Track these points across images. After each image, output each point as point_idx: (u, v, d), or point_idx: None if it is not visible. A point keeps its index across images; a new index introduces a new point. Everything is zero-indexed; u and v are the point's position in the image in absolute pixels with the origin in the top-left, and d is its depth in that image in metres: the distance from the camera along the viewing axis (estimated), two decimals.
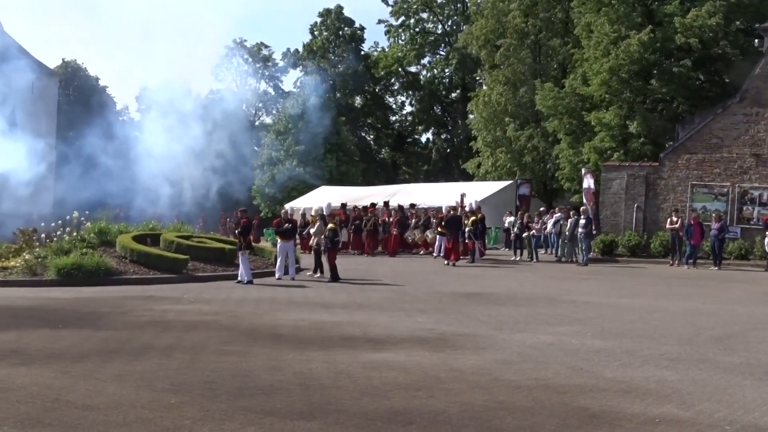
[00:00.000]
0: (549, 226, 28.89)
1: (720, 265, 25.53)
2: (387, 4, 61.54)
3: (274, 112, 66.79)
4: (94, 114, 48.13)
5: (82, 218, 24.04)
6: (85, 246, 21.68)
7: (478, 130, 42.93)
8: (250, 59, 67.77)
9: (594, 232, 28.06)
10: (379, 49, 67.39)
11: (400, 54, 63.62)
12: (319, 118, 48.40)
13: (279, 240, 21.97)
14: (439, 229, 28.42)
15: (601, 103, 33.54)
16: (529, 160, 40.07)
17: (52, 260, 20.11)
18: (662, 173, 29.20)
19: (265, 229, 39.94)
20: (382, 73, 64.74)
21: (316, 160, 50.68)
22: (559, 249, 28.42)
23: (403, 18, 62.13)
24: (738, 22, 32.44)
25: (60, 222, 23.50)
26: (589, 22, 33.58)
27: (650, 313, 14.49)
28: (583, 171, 32.41)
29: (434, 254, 29.31)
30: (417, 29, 62.75)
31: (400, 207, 33.13)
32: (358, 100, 66.42)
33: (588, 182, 31.43)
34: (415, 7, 61.23)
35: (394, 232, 31.54)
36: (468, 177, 46.47)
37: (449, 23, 62.76)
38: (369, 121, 67.40)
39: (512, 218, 30.96)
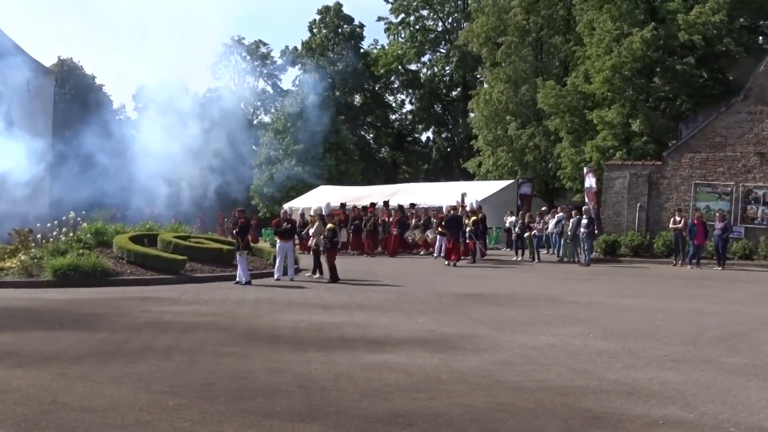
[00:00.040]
0: (551, 225, 28.90)
1: (724, 265, 25.53)
2: (387, 1, 61.65)
3: (272, 110, 66.84)
4: (91, 113, 48.13)
5: (79, 218, 24.04)
6: (82, 247, 21.67)
7: (479, 129, 42.93)
8: (249, 57, 67.79)
9: (596, 232, 28.07)
10: (378, 47, 67.43)
11: (399, 52, 63.63)
12: (318, 117, 48.40)
13: (278, 240, 21.98)
14: (439, 230, 28.43)
15: (604, 101, 33.54)
16: (530, 159, 40.08)
17: (49, 261, 20.11)
18: (665, 172, 29.19)
19: (263, 229, 39.96)
20: (382, 71, 64.74)
21: (315, 160, 50.68)
22: (561, 249, 28.41)
23: (402, 15, 62.15)
24: (742, 19, 32.42)
25: (56, 222, 23.50)
26: (591, 19, 33.58)
27: (653, 314, 14.50)
28: (585, 170, 32.40)
29: (434, 255, 29.32)
30: (417, 26, 62.77)
31: (400, 207, 33.13)
32: (357, 99, 66.43)
33: (590, 181, 31.42)
34: (415, 4, 61.24)
35: (394, 232, 31.54)
36: (469, 176, 46.49)
37: (449, 20, 62.78)
38: (368, 120, 67.40)
39: (513, 218, 30.96)
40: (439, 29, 63.52)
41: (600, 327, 12.74)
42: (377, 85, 66.29)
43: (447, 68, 63.10)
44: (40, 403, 7.64)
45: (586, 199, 31.25)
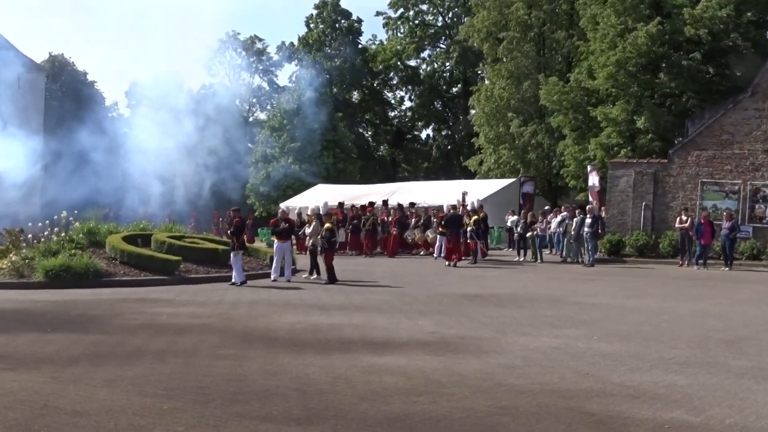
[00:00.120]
0: (553, 225, 28.91)
1: (731, 265, 25.54)
2: None
3: (268, 107, 66.87)
4: (83, 110, 48.15)
5: (71, 218, 24.04)
6: (74, 247, 21.67)
7: (480, 126, 42.96)
8: (244, 53, 67.84)
9: (599, 231, 28.07)
10: (377, 43, 67.49)
11: (399, 47, 63.68)
12: (315, 114, 48.43)
13: (275, 240, 21.98)
14: (440, 230, 28.44)
15: (608, 98, 33.58)
16: (533, 157, 40.12)
17: (40, 262, 20.11)
18: (671, 170, 29.19)
19: (259, 229, 39.98)
20: (381, 67, 64.80)
21: (313, 158, 50.72)
22: (565, 249, 28.42)
23: (402, 10, 62.20)
24: (749, 14, 32.47)
25: (48, 222, 23.50)
26: (595, 13, 33.62)
27: (659, 315, 14.50)
28: (588, 168, 32.44)
29: (434, 255, 29.34)
30: (416, 21, 62.83)
31: (400, 206, 33.14)
32: (355, 95, 66.47)
33: (593, 180, 31.46)
34: None
35: (394, 232, 31.54)
36: (470, 175, 46.54)
37: (450, 15, 62.84)
38: (367, 117, 67.45)
39: (514, 217, 30.98)
40: (439, 24, 63.58)
41: (604, 329, 12.74)
42: (376, 82, 66.33)
43: (447, 64, 63.16)
44: (31, 407, 7.64)
45: (590, 198, 31.28)
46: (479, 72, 55.27)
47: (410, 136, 68.55)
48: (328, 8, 63.35)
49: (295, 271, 22.37)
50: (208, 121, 41.79)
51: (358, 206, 33.82)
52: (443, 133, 65.34)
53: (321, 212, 23.15)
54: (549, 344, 11.19)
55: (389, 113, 68.34)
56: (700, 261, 25.97)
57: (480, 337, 11.85)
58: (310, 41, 63.51)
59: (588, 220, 26.77)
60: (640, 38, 30.91)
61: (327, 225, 21.25)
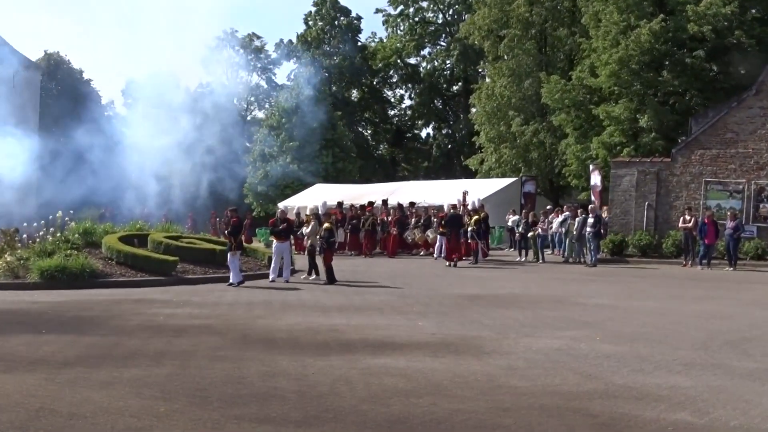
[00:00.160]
0: (555, 225, 28.91)
1: (735, 265, 25.54)
2: None
3: (266, 106, 66.88)
4: (79, 108, 48.17)
5: (67, 218, 24.04)
6: (70, 247, 21.67)
7: (481, 125, 42.96)
8: (242, 50, 67.82)
9: (602, 231, 28.07)
10: (376, 40, 67.51)
11: (398, 45, 63.68)
12: (313, 113, 48.44)
13: (274, 240, 21.98)
14: (440, 230, 28.43)
15: (610, 96, 33.57)
16: (534, 156, 40.12)
17: (35, 262, 20.11)
18: (674, 169, 29.18)
19: (257, 229, 39.99)
20: (380, 65, 64.81)
21: (311, 157, 50.71)
22: (567, 249, 28.42)
23: (401, 7, 62.20)
24: (754, 11, 32.48)
25: (43, 222, 23.49)
26: (597, 10, 33.62)
27: (662, 316, 14.51)
28: (591, 167, 32.43)
29: (435, 255, 29.34)
30: (416, 19, 62.83)
31: (400, 205, 33.14)
32: (354, 94, 66.49)
33: (596, 179, 31.45)
34: None
35: (393, 232, 31.54)
36: (470, 174, 46.55)
37: (450, 12, 62.83)
38: (366, 116, 67.47)
39: (515, 217, 30.98)
40: (440, 21, 63.58)
41: (607, 330, 12.75)
42: (375, 80, 66.34)
43: (448, 62, 63.16)
44: (27, 410, 7.64)
45: (592, 198, 31.28)
46: (480, 70, 55.24)
47: (410, 134, 68.57)
48: (327, 5, 63.34)
49: (293, 272, 22.37)
50: (205, 120, 41.84)
51: (358, 206, 33.81)
52: (443, 131, 65.34)
53: (320, 212, 23.15)
54: (551, 345, 11.19)
55: (389, 112, 68.36)
56: (704, 261, 25.96)
57: (481, 338, 11.85)
58: (309, 39, 63.51)
59: (590, 220, 26.76)
60: (643, 36, 30.90)
61: (326, 225, 21.25)
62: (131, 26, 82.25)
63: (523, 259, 28.62)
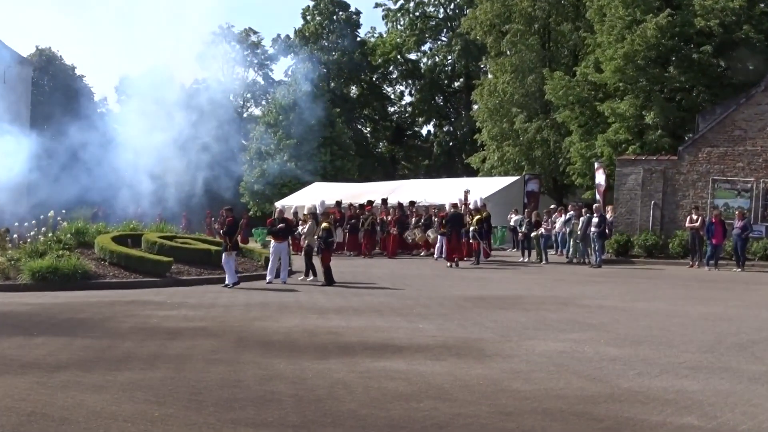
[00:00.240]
0: (558, 224, 28.92)
1: (743, 266, 25.56)
2: None
3: (263, 102, 66.88)
4: (72, 105, 48.17)
5: (59, 218, 24.04)
6: (62, 248, 21.67)
7: (483, 122, 42.98)
8: (238, 46, 67.82)
9: (607, 231, 28.08)
10: (376, 35, 67.53)
11: (398, 40, 63.70)
12: (312, 109, 48.46)
13: (272, 241, 21.98)
14: (441, 230, 28.43)
15: (616, 93, 33.59)
16: (538, 154, 40.14)
17: (26, 263, 20.10)
18: (681, 168, 29.20)
19: (254, 229, 39.99)
20: (380, 60, 64.83)
21: (309, 155, 50.73)
22: (571, 249, 28.43)
23: (401, 1, 62.28)
24: (762, 5, 32.50)
25: (35, 222, 23.49)
26: (602, 4, 33.64)
27: (669, 318, 14.51)
28: (595, 165, 32.45)
29: (435, 256, 29.34)
30: (417, 13, 62.86)
31: (400, 205, 33.16)
32: (353, 90, 66.51)
33: (600, 177, 31.46)
34: None
35: (393, 232, 31.55)
36: (472, 172, 46.56)
37: (451, 7, 62.85)
38: (366, 113, 67.49)
39: (518, 216, 30.99)
40: (441, 16, 63.59)
41: (612, 332, 12.75)
42: (375, 76, 66.35)
43: (449, 58, 63.16)
44: (18, 414, 7.63)
45: (597, 197, 31.29)
46: (482, 66, 55.32)
47: (410, 132, 68.58)
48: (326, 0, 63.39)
49: (291, 273, 22.38)
50: (200, 117, 41.83)
51: (357, 205, 33.83)
52: (445, 129, 65.38)
53: (318, 211, 23.14)
54: (555, 348, 11.19)
55: (389, 108, 68.38)
56: (711, 262, 25.98)
57: (483, 340, 11.85)
58: (307, 34, 63.50)
59: (595, 220, 26.77)
60: (649, 30, 30.92)
61: (324, 225, 21.23)
62: (124, 20, 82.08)
63: (526, 260, 28.62)
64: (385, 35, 66.06)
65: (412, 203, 33.81)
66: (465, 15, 51.83)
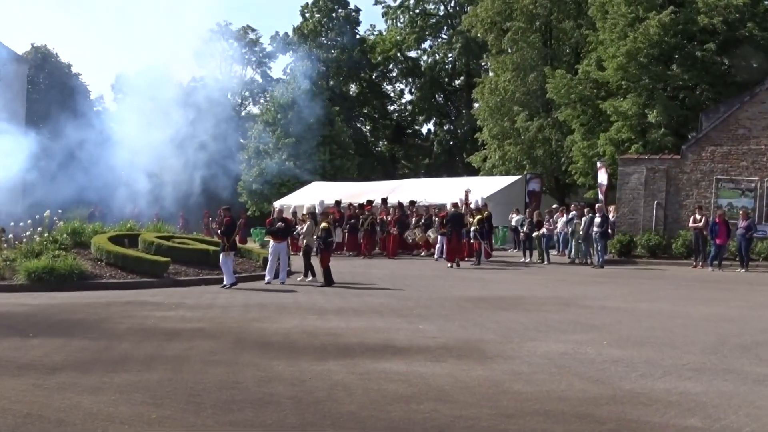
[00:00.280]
0: (560, 224, 28.91)
1: (747, 266, 25.56)
2: None
3: (261, 101, 66.86)
4: (67, 103, 48.16)
5: (55, 218, 24.04)
6: (58, 248, 21.68)
7: (484, 121, 42.96)
8: (236, 43, 67.79)
9: (609, 231, 28.07)
10: (376, 33, 67.48)
11: (398, 38, 63.68)
12: (310, 108, 48.46)
13: (271, 240, 21.98)
14: (442, 230, 28.43)
15: (618, 91, 33.58)
16: (539, 153, 40.12)
17: (22, 263, 20.12)
18: (684, 167, 29.19)
19: (252, 229, 39.99)
20: (380, 58, 64.80)
21: (308, 154, 50.73)
22: (573, 250, 28.43)
23: None
24: (766, 2, 32.48)
25: (30, 222, 23.49)
26: (605, 2, 33.64)
27: (672, 320, 14.51)
28: (598, 164, 32.44)
29: (435, 256, 29.34)
30: (417, 11, 62.83)
31: (400, 204, 33.16)
32: (353, 88, 66.49)
33: (602, 177, 31.46)
34: None
35: (393, 232, 31.55)
36: (473, 171, 46.54)
37: (452, 4, 62.84)
38: (365, 111, 67.47)
39: (519, 216, 30.99)
40: (441, 14, 63.57)
41: (614, 333, 12.75)
42: (374, 74, 66.33)
43: (449, 56, 63.17)
44: (14, 416, 7.64)
45: (599, 196, 31.28)
46: (483, 64, 55.30)
47: (410, 131, 68.55)
48: None
49: (290, 273, 22.39)
50: (198, 115, 41.83)
51: (356, 205, 33.82)
52: (445, 127, 65.35)
53: (317, 211, 23.14)
54: (556, 350, 11.20)
55: (388, 107, 68.36)
56: (715, 262, 25.98)
57: (484, 342, 11.85)
58: (306, 31, 63.48)
59: (597, 219, 26.78)
60: (652, 28, 30.91)
61: (323, 224, 21.22)
62: (121, 18, 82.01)
63: (527, 260, 28.62)
64: (384, 33, 66.05)
65: (412, 203, 33.79)
66: (466, 12, 51.75)
